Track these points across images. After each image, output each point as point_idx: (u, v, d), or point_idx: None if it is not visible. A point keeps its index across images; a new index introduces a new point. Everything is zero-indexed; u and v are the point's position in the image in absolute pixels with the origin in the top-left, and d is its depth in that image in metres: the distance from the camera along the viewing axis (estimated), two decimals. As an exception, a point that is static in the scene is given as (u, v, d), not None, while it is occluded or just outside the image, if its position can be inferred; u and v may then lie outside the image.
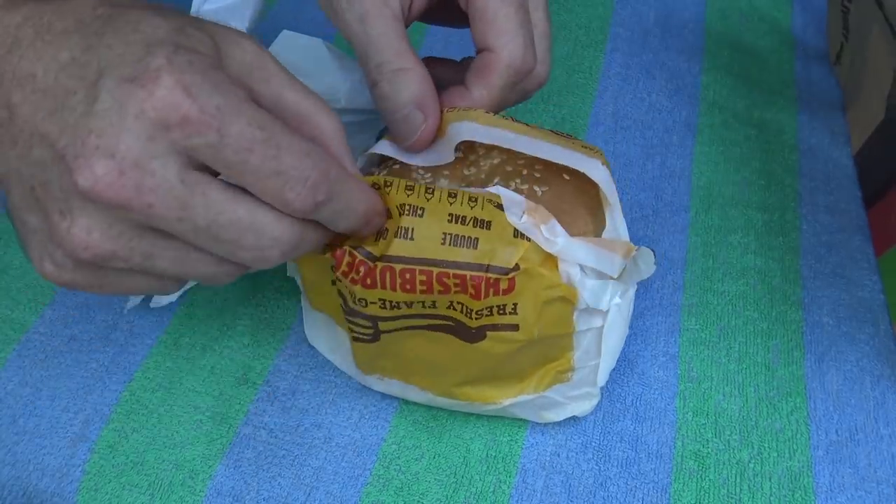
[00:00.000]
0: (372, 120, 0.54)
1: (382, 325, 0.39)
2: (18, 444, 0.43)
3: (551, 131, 0.43)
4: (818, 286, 0.52)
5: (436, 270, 0.37)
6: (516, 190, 0.41)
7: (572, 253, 0.38)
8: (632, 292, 0.41)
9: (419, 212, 0.37)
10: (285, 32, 0.51)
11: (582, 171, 0.41)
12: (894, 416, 0.46)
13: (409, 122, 0.41)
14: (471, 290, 0.37)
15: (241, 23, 0.50)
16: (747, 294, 0.51)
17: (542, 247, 0.38)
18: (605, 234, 0.41)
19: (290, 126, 0.34)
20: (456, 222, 0.37)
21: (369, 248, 0.37)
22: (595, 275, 0.39)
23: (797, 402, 0.46)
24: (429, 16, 0.47)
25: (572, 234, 0.41)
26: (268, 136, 0.31)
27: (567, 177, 0.43)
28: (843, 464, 0.43)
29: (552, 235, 0.38)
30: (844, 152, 0.61)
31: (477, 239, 0.37)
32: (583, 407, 0.43)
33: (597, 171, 0.41)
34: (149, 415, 0.44)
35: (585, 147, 0.42)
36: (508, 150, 0.44)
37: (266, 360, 0.47)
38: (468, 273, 0.37)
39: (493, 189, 0.39)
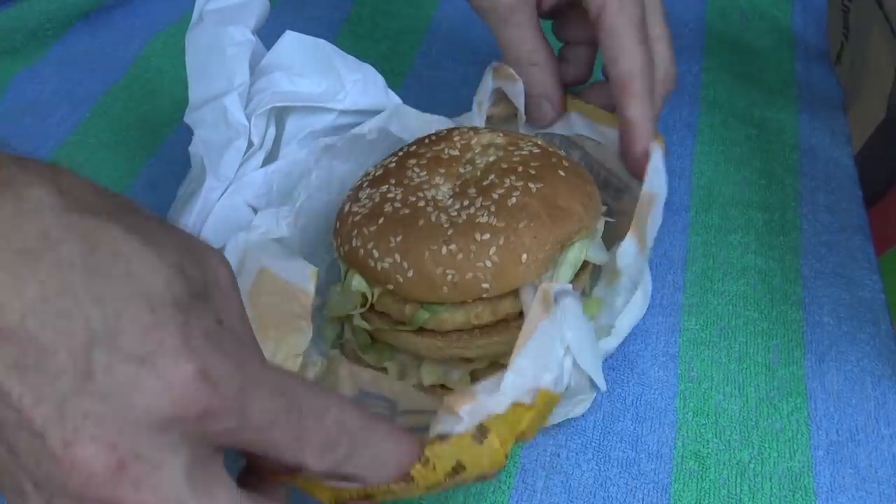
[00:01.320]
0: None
1: None
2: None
3: None
4: (819, 286, 0.52)
5: None
6: (511, 187, 0.41)
7: (514, 390, 0.34)
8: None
9: None
10: (289, 33, 0.51)
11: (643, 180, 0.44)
12: (895, 416, 0.46)
13: (539, 108, 0.52)
14: None
15: (247, 24, 0.50)
16: (747, 294, 0.51)
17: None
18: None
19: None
20: (438, 487, 0.34)
21: None
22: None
23: (797, 402, 0.46)
24: (555, 17, 0.54)
25: (568, 230, 0.41)
26: (290, 403, 0.27)
27: (562, 173, 0.43)
28: (843, 464, 0.43)
29: (494, 389, 0.34)
30: (845, 152, 0.61)
31: (464, 481, 0.34)
32: (577, 410, 0.43)
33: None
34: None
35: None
36: (504, 148, 0.45)
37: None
38: None
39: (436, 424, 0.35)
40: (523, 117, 0.53)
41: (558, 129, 0.53)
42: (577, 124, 0.52)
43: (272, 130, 0.50)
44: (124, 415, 0.24)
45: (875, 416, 0.45)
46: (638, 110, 0.47)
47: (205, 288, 0.28)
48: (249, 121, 0.48)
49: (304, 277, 0.41)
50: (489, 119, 0.53)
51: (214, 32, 0.49)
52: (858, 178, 0.59)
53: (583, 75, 0.55)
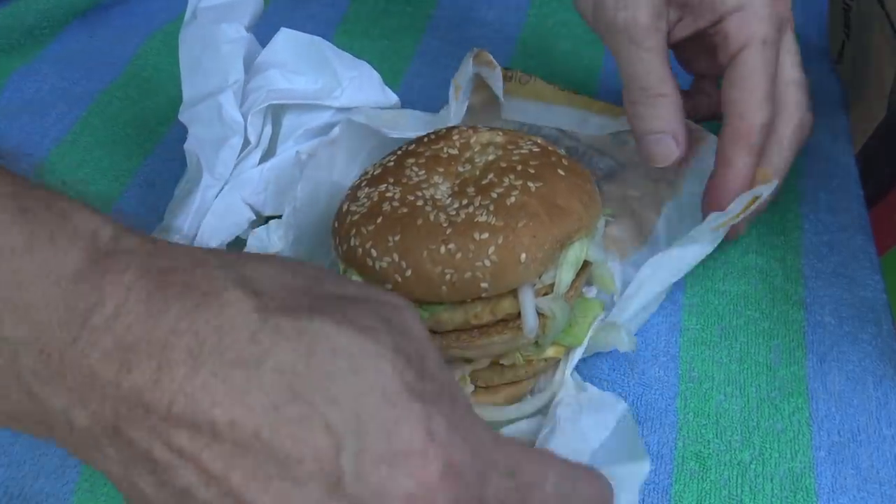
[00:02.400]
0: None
1: None
2: (14, 444, 0.43)
3: None
4: (820, 285, 0.51)
5: None
6: (510, 186, 0.41)
7: None
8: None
9: None
10: (283, 30, 0.51)
11: None
12: (897, 416, 0.46)
13: (661, 145, 0.46)
14: None
15: (241, 21, 0.50)
16: (749, 293, 0.51)
17: None
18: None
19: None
20: None
21: None
22: None
23: (799, 402, 0.46)
24: (680, 49, 0.51)
25: (568, 229, 0.41)
26: (518, 481, 0.27)
27: (562, 172, 0.43)
28: (845, 465, 0.43)
29: None
30: (846, 151, 0.61)
31: None
32: None
33: None
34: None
35: None
36: (504, 147, 0.45)
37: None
38: None
39: None
40: (502, 100, 0.53)
41: (543, 119, 0.55)
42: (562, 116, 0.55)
43: (268, 128, 0.50)
44: None
45: (877, 416, 0.45)
46: (743, 160, 0.46)
47: (417, 353, 0.27)
48: (246, 119, 0.48)
49: None
50: (469, 108, 0.53)
51: (208, 30, 0.49)
52: (860, 177, 0.59)
53: (717, 108, 0.50)
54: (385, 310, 0.27)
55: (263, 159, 0.50)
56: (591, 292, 0.47)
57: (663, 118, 0.46)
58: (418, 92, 0.64)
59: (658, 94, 0.46)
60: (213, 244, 0.47)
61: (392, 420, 0.24)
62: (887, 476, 0.43)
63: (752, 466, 0.43)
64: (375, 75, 0.52)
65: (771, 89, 0.45)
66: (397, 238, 0.40)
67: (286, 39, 0.51)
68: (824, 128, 0.62)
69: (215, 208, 0.47)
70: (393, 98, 0.53)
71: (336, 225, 0.44)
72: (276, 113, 0.51)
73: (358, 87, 0.52)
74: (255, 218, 0.49)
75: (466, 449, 0.25)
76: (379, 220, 0.42)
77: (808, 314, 0.50)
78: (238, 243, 0.49)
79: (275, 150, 0.51)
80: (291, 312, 0.25)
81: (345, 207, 0.44)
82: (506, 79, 0.54)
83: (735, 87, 0.45)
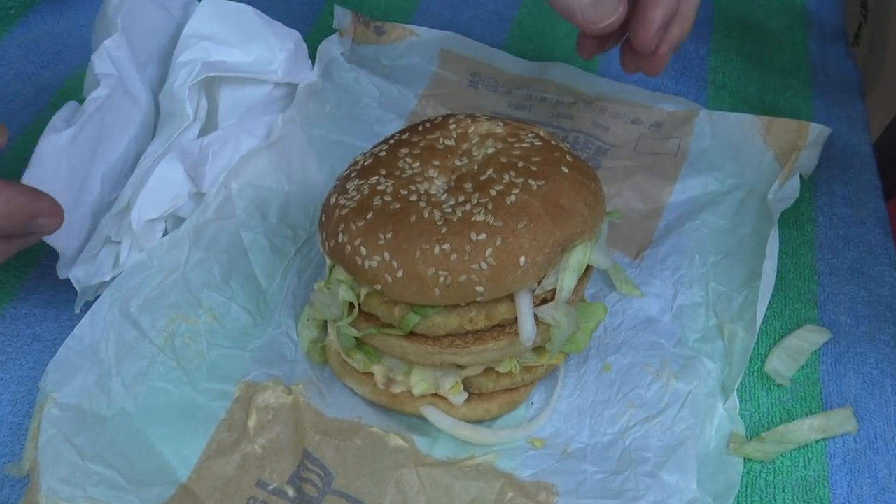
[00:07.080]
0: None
1: None
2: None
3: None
4: (834, 283, 0.52)
5: None
6: (510, 183, 0.41)
7: None
8: None
9: None
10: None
11: None
12: (916, 422, 0.46)
13: (602, 5, 0.45)
14: None
15: None
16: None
17: None
18: None
19: None
20: None
21: None
22: None
23: (812, 407, 0.46)
24: None
25: (570, 232, 0.41)
26: None
27: (566, 170, 0.42)
28: (861, 474, 0.43)
29: None
30: (863, 139, 0.61)
31: None
32: None
33: None
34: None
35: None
36: (504, 139, 0.44)
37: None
38: None
39: None
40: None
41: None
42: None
43: (204, 102, 0.51)
44: None
45: (895, 422, 0.45)
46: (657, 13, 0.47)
47: None
48: (184, 93, 0.49)
49: None
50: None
51: (102, 12, 0.51)
52: (877, 168, 0.59)
53: None
54: None
55: (203, 133, 0.51)
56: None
57: None
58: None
59: None
60: (152, 216, 0.48)
61: None
62: (905, 485, 0.43)
63: (763, 475, 0.43)
64: (304, 47, 0.54)
65: None
66: (389, 236, 0.40)
67: (212, 8, 0.52)
68: (840, 114, 0.63)
69: (154, 179, 0.48)
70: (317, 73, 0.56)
71: (323, 218, 0.44)
72: (210, 87, 0.52)
73: (294, 60, 0.53)
74: (196, 190, 0.49)
75: None
76: (369, 215, 0.41)
77: (821, 313, 0.50)
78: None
79: (215, 124, 0.52)
80: None
81: (333, 200, 0.44)
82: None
83: None
